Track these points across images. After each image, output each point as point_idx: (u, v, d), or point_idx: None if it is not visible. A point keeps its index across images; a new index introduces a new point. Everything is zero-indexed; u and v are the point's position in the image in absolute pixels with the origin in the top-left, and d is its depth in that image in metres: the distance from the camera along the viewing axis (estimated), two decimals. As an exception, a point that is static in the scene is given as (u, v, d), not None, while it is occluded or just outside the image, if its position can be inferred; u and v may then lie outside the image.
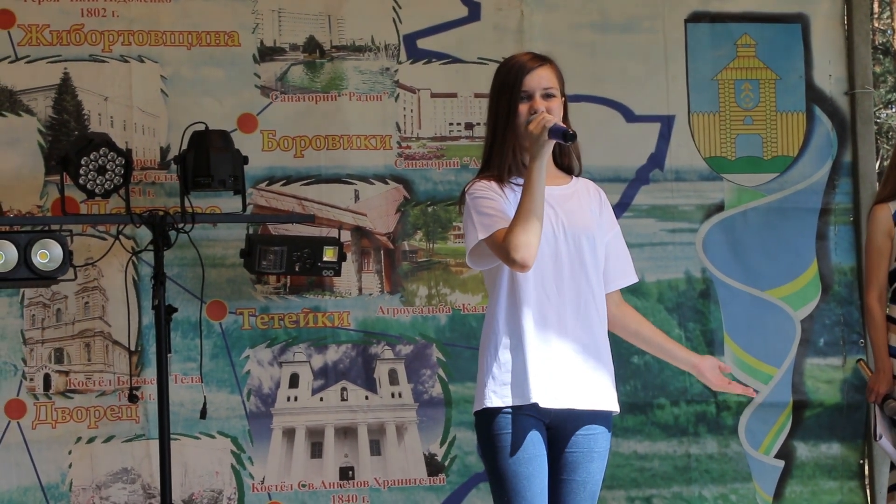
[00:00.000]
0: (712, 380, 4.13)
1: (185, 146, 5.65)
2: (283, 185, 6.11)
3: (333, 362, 6.13)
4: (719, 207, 6.49)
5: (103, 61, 6.00)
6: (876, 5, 15.00)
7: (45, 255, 5.35)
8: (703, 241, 6.46)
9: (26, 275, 5.34)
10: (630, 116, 6.43)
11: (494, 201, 3.89)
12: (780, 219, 6.51)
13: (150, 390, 5.82)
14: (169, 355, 5.55)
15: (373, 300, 6.17)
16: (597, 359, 3.94)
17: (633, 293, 6.17)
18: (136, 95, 6.00)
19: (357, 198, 6.17)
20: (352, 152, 6.18)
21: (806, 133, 6.58)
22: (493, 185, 3.93)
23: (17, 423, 5.85)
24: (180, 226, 5.61)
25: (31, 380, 5.88)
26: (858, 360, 6.38)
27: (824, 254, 6.56)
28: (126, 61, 6.01)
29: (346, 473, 6.09)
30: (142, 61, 6.02)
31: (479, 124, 6.20)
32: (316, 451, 6.08)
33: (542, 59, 3.99)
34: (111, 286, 5.92)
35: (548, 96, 3.94)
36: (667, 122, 6.46)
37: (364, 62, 6.23)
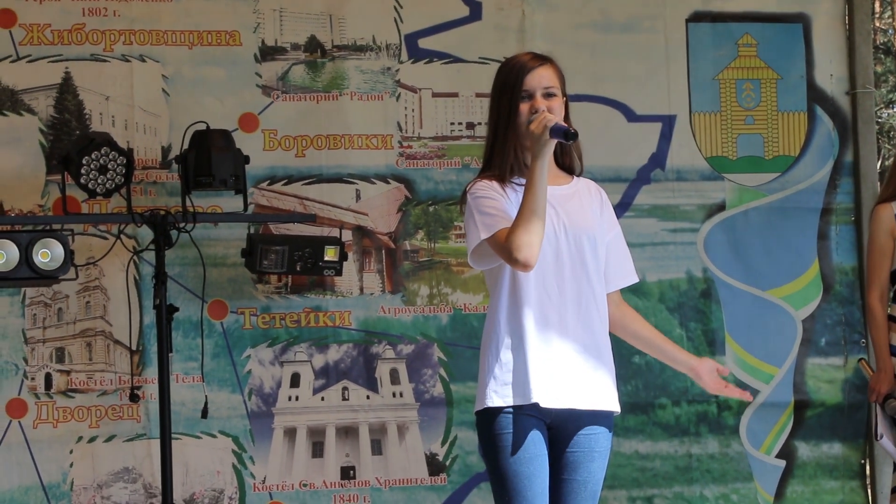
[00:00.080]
0: (709, 383, 4.13)
1: (186, 146, 5.65)
2: (285, 184, 6.11)
3: (335, 362, 6.13)
4: (720, 207, 6.48)
5: (105, 61, 6.00)
6: (877, 5, 15.00)
7: (47, 254, 5.35)
8: (704, 240, 6.46)
9: (27, 274, 5.34)
10: (631, 116, 6.43)
11: (496, 201, 3.89)
12: (782, 218, 6.51)
13: (152, 390, 5.82)
14: (170, 355, 5.56)
15: (374, 300, 6.17)
16: (598, 359, 3.94)
17: (634, 293, 6.17)
18: (137, 95, 6.00)
19: (358, 197, 6.17)
20: (353, 152, 6.18)
21: (807, 133, 6.58)
22: (495, 184, 3.93)
23: (19, 422, 5.85)
24: (181, 225, 5.61)
25: (33, 379, 5.88)
26: (860, 360, 6.38)
27: (825, 253, 6.56)
28: (127, 61, 6.01)
29: (347, 473, 6.09)
30: (143, 61, 6.02)
31: (480, 124, 6.20)
32: (317, 450, 6.08)
33: (542, 59, 3.99)
34: (112, 285, 5.92)
35: (549, 96, 3.94)
36: (668, 122, 6.46)
37: (365, 62, 6.23)
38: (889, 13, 16.33)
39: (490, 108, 4.01)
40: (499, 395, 3.88)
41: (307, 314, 6.12)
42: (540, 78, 3.94)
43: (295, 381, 6.09)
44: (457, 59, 6.30)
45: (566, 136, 3.80)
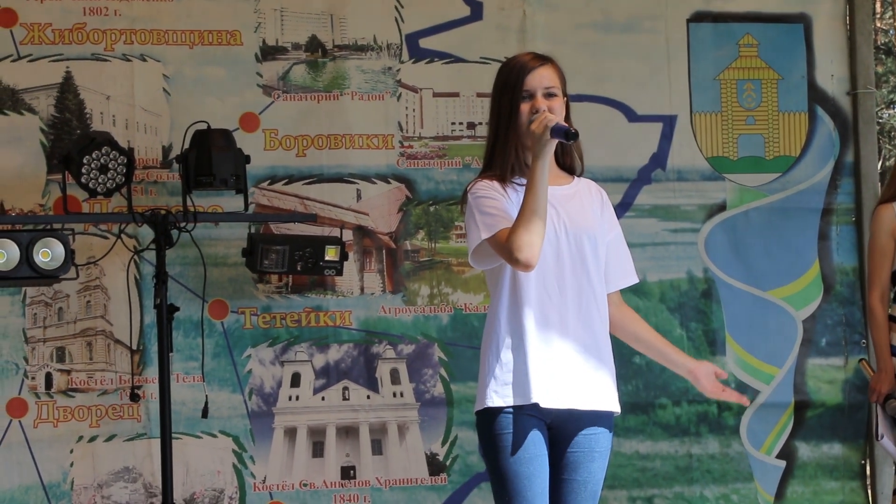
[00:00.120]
0: (707, 386, 4.12)
1: (187, 145, 5.65)
2: (285, 184, 6.11)
3: (335, 362, 6.13)
4: (721, 207, 6.48)
5: (105, 60, 6.00)
6: (878, 5, 14.99)
7: (47, 253, 5.35)
8: (704, 241, 6.46)
9: (28, 273, 5.34)
10: (632, 116, 6.43)
11: (497, 201, 3.89)
12: (782, 219, 6.51)
13: (152, 389, 5.82)
14: (171, 354, 5.55)
15: (375, 299, 6.17)
16: (598, 359, 3.94)
17: (635, 293, 6.17)
18: (138, 94, 6.00)
19: (359, 197, 6.17)
20: (354, 151, 6.18)
21: (808, 133, 6.58)
22: (496, 184, 3.93)
23: (19, 421, 5.85)
24: (182, 225, 5.61)
25: (33, 378, 5.88)
26: (861, 360, 6.38)
27: (826, 254, 6.56)
28: (128, 60, 6.01)
29: (347, 473, 6.09)
30: (144, 60, 6.02)
31: (481, 124, 6.20)
32: (317, 450, 6.08)
33: (543, 59, 3.99)
34: (113, 285, 5.92)
35: (549, 95, 3.94)
36: (669, 122, 6.46)
37: (366, 61, 6.23)
38: (890, 13, 16.32)
39: (491, 108, 4.01)
40: (499, 395, 3.88)
41: (308, 314, 6.12)
42: (541, 78, 3.94)
43: (295, 380, 6.09)
44: (458, 59, 6.30)
45: (567, 136, 3.80)
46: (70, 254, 5.38)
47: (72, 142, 5.75)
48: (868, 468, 6.59)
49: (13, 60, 5.93)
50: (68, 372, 5.90)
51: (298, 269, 5.79)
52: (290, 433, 6.06)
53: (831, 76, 6.62)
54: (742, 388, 6.40)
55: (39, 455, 5.85)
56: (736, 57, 6.55)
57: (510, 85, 3.95)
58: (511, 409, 3.86)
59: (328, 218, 6.09)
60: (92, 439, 5.90)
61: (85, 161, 5.48)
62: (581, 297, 3.92)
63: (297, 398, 6.08)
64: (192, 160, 5.60)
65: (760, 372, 6.43)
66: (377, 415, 6.13)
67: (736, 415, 6.39)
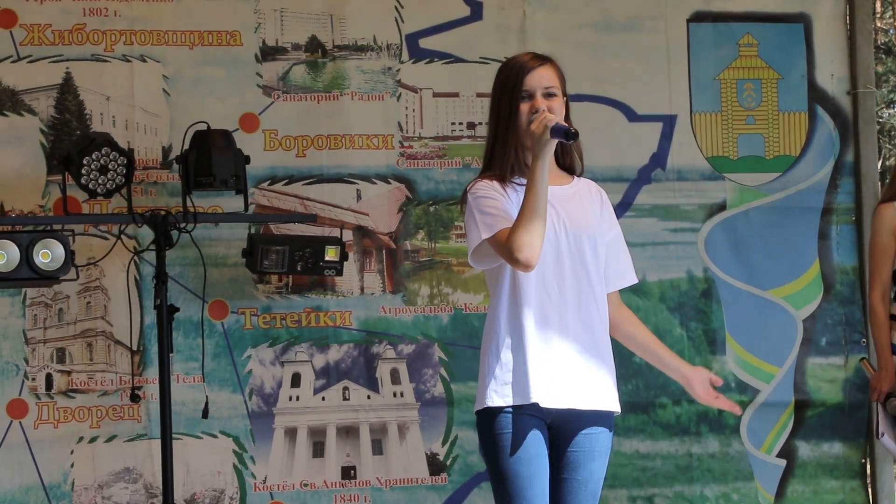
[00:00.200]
0: (701, 392, 4.12)
1: (186, 146, 5.65)
2: (285, 184, 6.11)
3: (335, 362, 6.13)
4: (721, 207, 6.48)
5: (105, 61, 6.00)
6: (878, 5, 14.98)
7: (47, 254, 5.35)
8: (704, 240, 6.46)
9: (28, 274, 5.34)
10: (632, 116, 6.43)
11: (497, 201, 3.89)
12: (782, 218, 6.51)
13: (152, 390, 5.82)
14: (171, 355, 5.55)
15: (375, 300, 6.18)
16: (598, 359, 3.94)
17: (634, 293, 6.18)
18: (137, 95, 6.00)
19: (359, 197, 6.17)
20: (354, 152, 6.18)
21: (808, 133, 6.58)
22: (496, 184, 3.93)
23: (20, 422, 5.85)
24: (182, 225, 5.61)
25: (33, 379, 5.88)
26: (862, 359, 6.38)
27: (826, 253, 6.56)
28: (128, 61, 6.01)
29: (347, 473, 6.09)
30: (144, 61, 6.02)
31: (481, 124, 6.20)
32: (318, 450, 6.08)
33: (543, 59, 3.99)
34: (113, 286, 5.92)
35: (549, 95, 3.94)
36: (669, 122, 6.46)
37: (366, 62, 6.23)
38: (890, 13, 16.31)
39: (490, 108, 4.01)
40: (499, 394, 3.88)
41: (308, 314, 6.12)
42: (540, 78, 3.94)
43: (296, 381, 6.09)
44: (458, 59, 6.30)
45: (567, 135, 3.80)
46: (70, 255, 5.38)
47: (72, 143, 5.75)
48: (868, 467, 6.59)
49: (13, 61, 5.93)
50: (69, 373, 5.90)
51: (298, 269, 5.79)
52: (291, 433, 6.07)
53: (831, 76, 6.62)
54: (742, 387, 6.41)
55: (40, 456, 5.85)
56: (736, 57, 6.55)
57: (509, 85, 3.95)
58: (511, 409, 3.87)
59: (328, 218, 6.09)
60: (92, 440, 5.90)
61: (85, 162, 5.48)
62: (581, 296, 3.92)
63: (298, 398, 6.08)
64: (191, 161, 5.60)
65: (760, 371, 6.43)
66: (377, 415, 6.14)
67: (741, 409, 6.39)
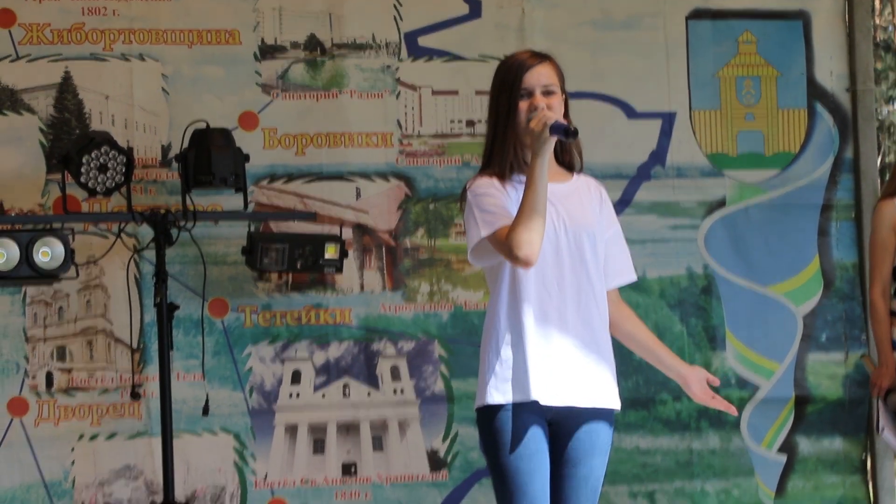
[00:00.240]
0: (697, 392, 4.12)
1: (186, 144, 5.65)
2: (285, 182, 6.11)
3: (335, 359, 6.14)
4: (721, 204, 6.49)
5: (104, 60, 6.00)
6: (877, 2, 14.98)
7: (47, 253, 5.35)
8: (704, 237, 6.46)
9: (28, 273, 5.34)
10: (631, 113, 6.43)
11: (496, 198, 3.89)
12: (782, 215, 6.51)
13: (153, 387, 5.82)
14: (171, 352, 5.56)
15: (375, 297, 6.18)
16: (598, 355, 3.94)
17: (634, 290, 6.16)
18: (137, 94, 6.01)
19: (358, 195, 6.18)
20: (353, 150, 6.18)
21: (807, 129, 6.59)
22: (495, 181, 3.93)
23: (20, 420, 5.86)
24: (182, 224, 5.61)
25: (34, 378, 5.88)
26: (862, 355, 6.39)
27: (826, 250, 6.56)
28: (127, 60, 6.02)
29: (348, 469, 6.10)
30: (143, 60, 6.03)
31: (480, 121, 6.20)
32: (318, 447, 6.08)
33: (541, 57, 3.99)
34: (113, 284, 5.92)
35: (548, 93, 3.93)
36: (668, 119, 6.46)
37: (365, 60, 6.24)
38: (889, 10, 16.30)
39: (489, 106, 4.01)
40: (499, 391, 3.88)
41: (308, 312, 6.12)
42: (539, 76, 3.94)
43: (296, 378, 6.09)
44: (457, 57, 6.30)
45: (566, 133, 3.80)
46: (70, 253, 5.39)
47: (71, 141, 5.75)
48: (869, 462, 6.59)
49: (12, 61, 5.93)
50: (69, 371, 5.90)
51: (298, 267, 5.79)
52: (291, 430, 6.07)
53: (830, 73, 6.62)
54: (742, 383, 6.42)
55: (40, 454, 5.85)
56: (735, 54, 6.55)
57: (508, 83, 3.94)
58: (511, 406, 3.87)
59: (328, 216, 6.09)
60: (93, 438, 5.90)
61: (84, 161, 5.48)
62: (580, 294, 3.92)
63: (298, 395, 6.08)
64: (191, 159, 5.60)
65: (761, 367, 6.44)
66: (378, 412, 6.14)
67: (736, 410, 6.38)
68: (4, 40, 5.92)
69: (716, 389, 4.19)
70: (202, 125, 5.66)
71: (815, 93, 6.60)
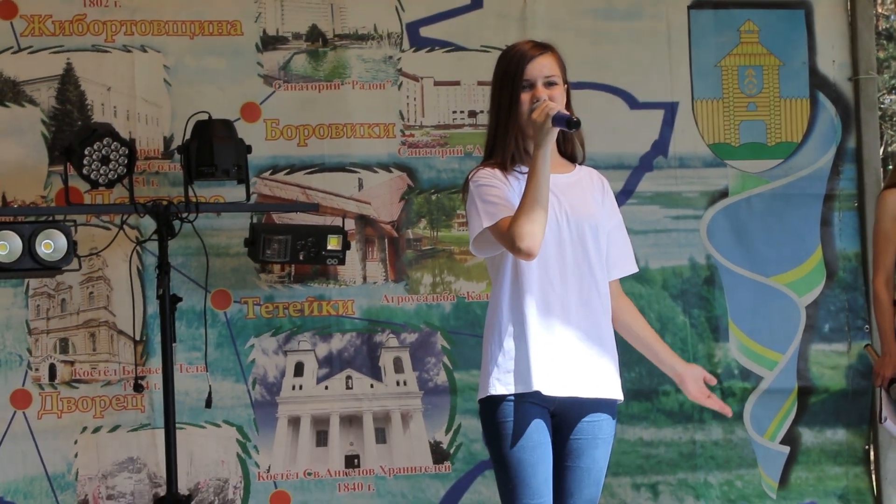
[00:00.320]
0: (692, 391, 4.11)
1: (188, 136, 5.65)
2: (287, 174, 6.11)
3: (338, 351, 6.14)
4: (723, 194, 6.48)
5: (106, 51, 6.00)
6: (879, -10, 14.97)
7: (50, 245, 5.35)
8: (707, 227, 6.46)
9: (31, 265, 5.34)
10: (633, 103, 6.43)
11: (498, 189, 3.88)
12: (785, 205, 6.51)
13: (156, 380, 5.83)
14: (174, 345, 5.56)
15: (377, 288, 6.18)
16: (600, 347, 3.94)
17: (637, 280, 6.18)
18: (138, 85, 6.00)
19: (361, 186, 6.17)
20: (355, 141, 6.18)
21: (810, 119, 6.58)
22: (497, 172, 3.93)
23: (23, 412, 5.86)
24: (184, 215, 5.61)
25: (37, 370, 5.88)
26: (866, 346, 6.39)
27: (829, 240, 6.55)
28: (129, 51, 6.01)
29: (351, 461, 6.10)
30: (144, 51, 6.02)
31: (482, 112, 6.20)
32: (321, 439, 6.09)
33: (543, 47, 3.99)
34: (116, 276, 5.92)
35: (550, 84, 3.93)
36: (670, 109, 6.46)
37: (367, 50, 6.23)
38: (891, -1, 16.29)
39: (491, 98, 4.01)
40: (501, 382, 3.88)
41: (310, 303, 6.12)
42: (541, 67, 3.94)
43: (299, 370, 6.09)
44: (458, 48, 6.29)
45: (569, 124, 3.79)
46: (72, 245, 5.38)
47: (73, 133, 5.74)
48: (872, 453, 6.59)
49: (14, 52, 5.93)
50: (72, 363, 5.90)
51: (301, 258, 5.79)
52: (294, 422, 6.07)
53: (833, 62, 6.61)
54: (745, 374, 6.41)
55: (44, 446, 5.86)
56: (737, 43, 6.54)
57: (510, 74, 3.94)
58: (513, 397, 3.87)
59: (330, 207, 6.09)
60: (96, 430, 5.91)
61: (86, 152, 5.47)
62: (582, 285, 3.92)
63: (301, 387, 6.09)
64: (193, 150, 5.60)
65: (763, 358, 6.44)
66: (380, 403, 6.14)
67: (739, 401, 6.39)
68: (6, 32, 5.91)
69: (718, 379, 4.19)
70: (204, 116, 5.66)
71: (818, 82, 6.59)
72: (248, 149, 5.70)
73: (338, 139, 6.16)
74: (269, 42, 6.15)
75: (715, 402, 4.13)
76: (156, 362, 5.80)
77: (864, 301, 6.52)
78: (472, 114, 6.27)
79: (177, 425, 5.56)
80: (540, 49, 3.97)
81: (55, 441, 5.87)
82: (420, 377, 6.17)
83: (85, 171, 5.49)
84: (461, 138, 6.26)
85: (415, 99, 6.25)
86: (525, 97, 3.91)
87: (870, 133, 6.63)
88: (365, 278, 6.17)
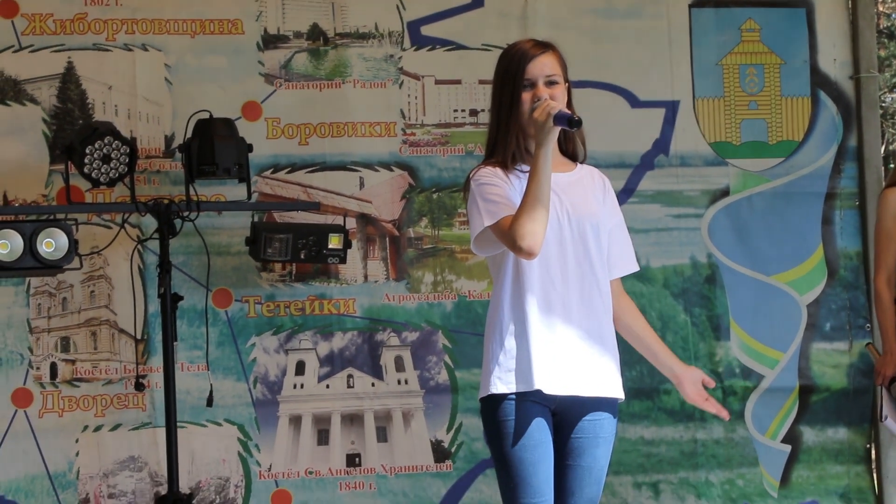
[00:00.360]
0: (690, 393, 4.11)
1: (189, 134, 5.65)
2: (288, 172, 6.11)
3: (339, 349, 6.14)
4: (724, 192, 6.48)
5: (107, 50, 5.99)
6: (881, -11, 14.97)
7: (51, 243, 5.35)
8: (708, 226, 6.46)
9: (32, 264, 5.34)
10: (634, 102, 6.42)
11: (500, 188, 3.88)
12: (786, 203, 6.51)
13: (157, 378, 5.82)
14: (175, 343, 5.56)
15: (378, 287, 6.18)
16: (601, 345, 3.94)
17: (638, 279, 6.18)
18: (140, 84, 6.00)
19: (362, 185, 6.17)
20: (356, 139, 6.18)
21: (811, 117, 6.57)
22: (499, 171, 3.93)
23: (24, 411, 5.86)
24: (185, 214, 5.61)
25: (38, 368, 5.88)
26: (867, 344, 6.39)
27: (830, 238, 6.55)
28: (130, 50, 6.01)
29: (352, 460, 6.10)
30: (145, 50, 6.02)
31: (483, 111, 6.20)
32: (322, 438, 6.09)
33: (544, 46, 3.99)
34: (117, 275, 5.92)
35: (551, 83, 3.93)
36: (671, 108, 6.45)
37: (368, 49, 6.23)
38: (892, -3, 16.30)
39: (492, 96, 4.01)
40: (502, 381, 3.88)
41: (312, 302, 6.12)
42: (542, 66, 3.94)
43: (300, 368, 6.09)
44: (459, 46, 6.29)
45: (570, 123, 3.80)
46: (73, 244, 5.38)
47: (74, 132, 5.74)
48: (873, 452, 6.59)
49: (15, 51, 5.93)
50: (73, 362, 5.90)
51: (302, 257, 5.79)
52: (295, 421, 6.07)
53: (834, 60, 6.61)
54: (747, 372, 6.41)
55: (45, 444, 5.86)
56: (738, 42, 6.54)
57: (511, 73, 3.94)
58: (515, 396, 3.87)
59: (331, 206, 6.09)
60: (97, 429, 5.91)
61: (87, 151, 5.47)
62: (584, 283, 3.92)
63: (302, 386, 6.09)
64: (194, 149, 5.60)
65: (765, 357, 6.43)
66: (382, 402, 6.14)
67: (741, 400, 6.39)
68: (7, 31, 5.91)
69: (719, 378, 4.18)
70: (205, 115, 5.66)
71: (819, 81, 6.59)
72: (250, 147, 5.70)
73: (339, 138, 6.16)
74: (270, 41, 6.14)
75: (712, 406, 4.13)
76: (157, 361, 5.80)
77: (865, 300, 6.51)
78: (474, 112, 6.27)
79: (178, 424, 5.56)
80: (541, 48, 3.97)
81: (56, 440, 5.87)
82: (421, 376, 6.17)
83: (86, 170, 5.49)
84: (462, 137, 6.26)
85: (416, 98, 6.25)
86: (526, 96, 3.91)
87: (871, 131, 6.63)
88: (366, 277, 6.17)
